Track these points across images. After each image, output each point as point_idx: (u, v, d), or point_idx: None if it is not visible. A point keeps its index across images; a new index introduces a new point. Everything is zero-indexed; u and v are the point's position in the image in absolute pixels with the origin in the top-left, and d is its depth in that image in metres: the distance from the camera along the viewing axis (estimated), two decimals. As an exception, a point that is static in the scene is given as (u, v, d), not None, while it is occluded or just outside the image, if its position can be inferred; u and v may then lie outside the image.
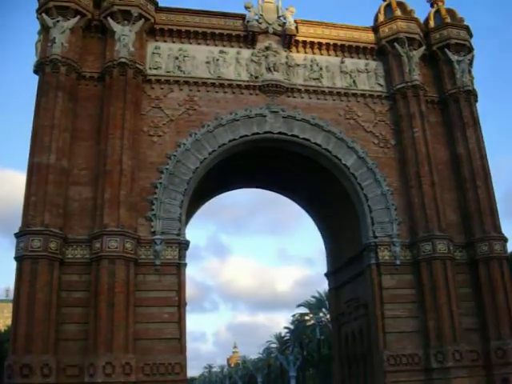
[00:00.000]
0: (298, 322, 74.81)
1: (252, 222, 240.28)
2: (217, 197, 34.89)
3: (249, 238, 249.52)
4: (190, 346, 24.65)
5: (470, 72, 31.27)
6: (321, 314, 66.21)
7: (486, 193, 29.09)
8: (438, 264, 26.80)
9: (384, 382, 25.49)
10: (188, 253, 25.70)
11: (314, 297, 70.11)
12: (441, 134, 30.43)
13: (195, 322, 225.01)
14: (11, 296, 39.93)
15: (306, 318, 73.07)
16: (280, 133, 28.12)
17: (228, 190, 34.93)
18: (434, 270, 26.68)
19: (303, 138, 28.20)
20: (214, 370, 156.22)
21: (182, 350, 23.86)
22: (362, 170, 28.29)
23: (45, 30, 26.83)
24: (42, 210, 23.79)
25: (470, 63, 31.51)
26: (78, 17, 26.86)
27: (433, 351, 25.73)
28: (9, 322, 35.18)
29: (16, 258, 23.42)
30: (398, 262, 27.21)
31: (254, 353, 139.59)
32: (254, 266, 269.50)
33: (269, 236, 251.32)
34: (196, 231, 66.16)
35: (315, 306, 68.71)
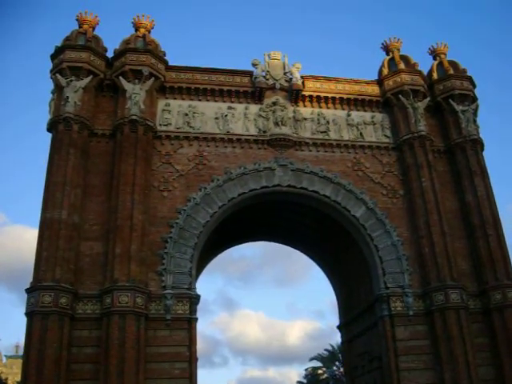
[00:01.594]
0: (311, 376, 73.18)
1: (260, 275, 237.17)
2: (225, 252, 35.02)
3: (257, 291, 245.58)
4: (201, 402, 24.34)
5: (474, 121, 31.64)
6: (334, 368, 64.86)
7: (497, 241, 28.94)
8: (452, 314, 26.44)
9: None
10: (198, 307, 25.66)
11: (326, 350, 68.79)
12: (449, 182, 30.57)
13: (205, 378, 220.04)
14: (21, 352, 39.72)
15: (319, 371, 71.46)
16: (289, 186, 28.40)
17: (237, 244, 35.05)
18: (448, 320, 26.30)
19: (312, 191, 28.44)
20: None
21: (193, 406, 23.52)
22: (372, 220, 28.36)
23: (58, 89, 27.74)
24: (54, 265, 23.96)
25: (475, 112, 31.92)
26: (91, 76, 27.82)
27: (451, 403, 25.13)
28: (18, 378, 34.81)
29: (26, 314, 23.41)
30: (410, 313, 26.87)
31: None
32: (263, 319, 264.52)
33: (277, 289, 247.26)
34: (205, 285, 65.53)
35: (328, 359, 67.32)
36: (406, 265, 27.77)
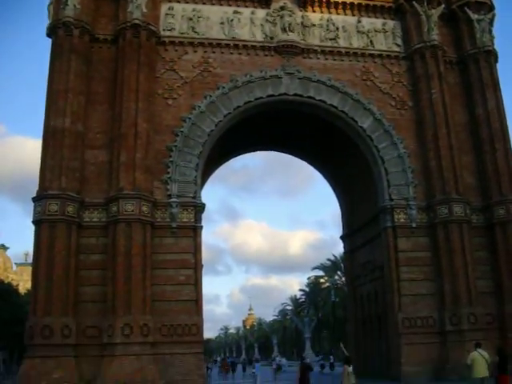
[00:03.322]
0: (313, 285, 75.54)
1: (263, 185, 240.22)
2: (228, 163, 34.81)
3: (260, 202, 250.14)
4: (205, 308, 25.05)
5: (490, 31, 30.36)
6: (336, 277, 66.75)
7: (505, 155, 28.65)
8: (455, 227, 26.65)
9: (398, 343, 25.69)
10: (202, 216, 25.75)
11: (329, 259, 70.45)
12: (459, 95, 29.83)
13: (209, 285, 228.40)
14: (30, 260, 40.62)
15: (321, 280, 73.67)
16: (296, 94, 27.76)
17: (243, 153, 34.83)
18: (451, 233, 26.56)
19: (319, 100, 27.82)
20: (230, 331, 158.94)
21: (198, 311, 24.18)
22: (379, 132, 27.94)
23: (56, -9, 26.46)
24: (59, 174, 23.93)
25: (491, 22, 30.54)
26: (90, -23, 26.45)
27: (448, 314, 25.81)
28: (28, 285, 35.70)
29: (34, 222, 23.68)
30: (414, 225, 27.10)
31: (268, 315, 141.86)
32: (265, 229, 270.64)
33: (280, 200, 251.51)
34: (207, 195, 65.64)
35: (330, 268, 69.09)
36: (412, 177, 27.67)
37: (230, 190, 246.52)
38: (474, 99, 29.44)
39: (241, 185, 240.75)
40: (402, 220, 27.16)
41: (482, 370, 15.54)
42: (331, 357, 49.09)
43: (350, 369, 15.91)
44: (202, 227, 25.26)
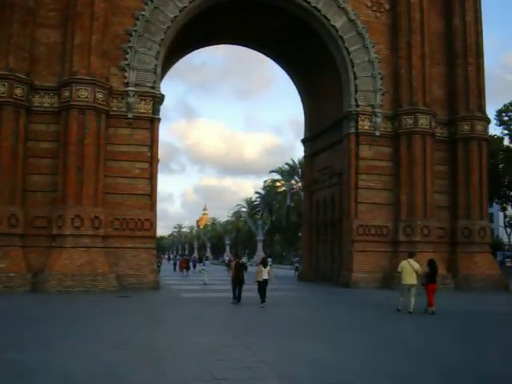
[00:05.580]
0: (270, 188, 75.86)
1: (221, 86, 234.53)
2: (186, 57, 32.83)
3: (217, 102, 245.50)
4: (158, 206, 24.37)
5: None
6: (292, 182, 67.03)
7: (476, 71, 28.07)
8: (418, 138, 26.36)
9: (351, 249, 25.92)
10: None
11: (287, 164, 70.47)
12: (438, 1, 28.52)
13: (162, 183, 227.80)
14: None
15: (278, 184, 73.98)
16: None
17: (205, 45, 32.82)
18: (413, 144, 26.29)
19: (292, -7, 26.04)
20: (184, 230, 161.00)
21: (152, 206, 23.54)
22: (351, 33, 26.60)
23: None
24: (6, 53, 22.00)
25: None
26: None
27: (402, 224, 26.05)
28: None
29: (-22, 103, 21.98)
30: (377, 134, 26.63)
31: (222, 216, 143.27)
32: (221, 130, 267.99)
33: (237, 101, 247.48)
34: (164, 90, 61.16)
35: (288, 173, 69.21)
36: (380, 84, 26.84)
37: (187, 87, 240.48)
38: (453, 8, 28.31)
39: (199, 83, 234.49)
40: (366, 127, 26.62)
41: (409, 277, 16.08)
42: (269, 259, 50.27)
43: (264, 269, 17.91)
44: (159, 119, 24.07)
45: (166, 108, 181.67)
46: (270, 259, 31.35)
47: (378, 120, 26.59)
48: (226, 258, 53.24)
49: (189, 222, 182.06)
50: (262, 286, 17.62)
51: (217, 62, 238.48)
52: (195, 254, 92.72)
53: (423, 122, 26.44)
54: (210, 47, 33.55)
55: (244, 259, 30.67)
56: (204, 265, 30.39)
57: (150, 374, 7.39)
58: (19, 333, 10.96)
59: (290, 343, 9.96)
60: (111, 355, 8.69)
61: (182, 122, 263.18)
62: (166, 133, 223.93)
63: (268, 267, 18.33)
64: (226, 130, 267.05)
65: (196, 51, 33.27)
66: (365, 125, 26.60)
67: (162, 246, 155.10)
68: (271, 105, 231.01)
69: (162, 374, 7.34)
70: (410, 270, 16.11)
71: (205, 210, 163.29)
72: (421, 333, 12.35)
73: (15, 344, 9.53)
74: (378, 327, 13.08)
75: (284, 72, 34.03)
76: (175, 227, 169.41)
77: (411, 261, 16.41)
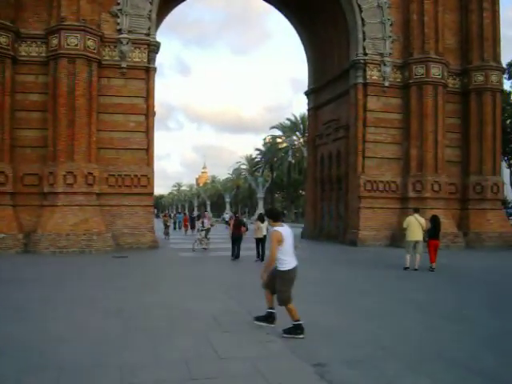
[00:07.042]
0: (270, 145, 74.24)
1: (217, 41, 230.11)
2: (181, 12, 31.12)
3: (214, 58, 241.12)
4: (156, 164, 23.08)
5: None
6: (294, 138, 65.33)
7: (492, 17, 26.45)
8: (430, 89, 24.93)
9: (358, 206, 24.80)
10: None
11: (288, 119, 68.72)
12: None
13: (160, 142, 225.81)
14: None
15: (279, 140, 72.36)
16: None
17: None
18: (424, 95, 24.88)
19: None
20: (183, 188, 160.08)
21: (149, 161, 22.27)
22: (359, -24, 24.83)
23: None
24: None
25: None
26: None
27: (412, 180, 24.88)
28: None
29: (-40, 54, 20.46)
30: (386, 84, 25.18)
31: (222, 174, 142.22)
32: (218, 87, 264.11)
33: (235, 57, 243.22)
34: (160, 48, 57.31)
35: (289, 128, 67.47)
36: (390, 31, 25.24)
37: (183, 44, 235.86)
38: None
39: (194, 39, 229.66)
40: (375, 77, 25.15)
41: (415, 233, 15.58)
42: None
43: (262, 224, 18.06)
44: (155, 69, 22.58)
45: (160, 65, 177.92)
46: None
47: (388, 69, 25.08)
48: (227, 216, 52.55)
49: (188, 181, 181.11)
50: (260, 242, 17.96)
51: (212, 17, 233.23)
52: (195, 212, 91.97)
53: (435, 71, 24.96)
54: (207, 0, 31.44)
55: (244, 219, 29.87)
56: (202, 223, 29.18)
57: (143, 350, 6.28)
58: (2, 298, 9.89)
59: (300, 308, 8.85)
60: (99, 326, 7.60)
61: (178, 79, 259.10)
62: (162, 90, 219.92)
63: (265, 223, 17.92)
64: (223, 87, 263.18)
65: (192, 5, 31.49)
66: (373, 74, 25.12)
67: (161, 205, 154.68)
68: (269, 61, 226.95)
69: (156, 351, 6.23)
70: (417, 225, 15.52)
71: (204, 168, 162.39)
72: (434, 294, 11.28)
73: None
74: (392, 289, 12.03)
75: (283, 26, 32.51)
76: (174, 186, 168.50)
77: (417, 216, 15.75)
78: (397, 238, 23.60)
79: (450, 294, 11.29)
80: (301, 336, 6.87)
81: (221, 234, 31.11)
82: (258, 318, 7.50)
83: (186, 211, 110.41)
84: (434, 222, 16.00)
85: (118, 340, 6.81)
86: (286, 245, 7.06)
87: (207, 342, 6.64)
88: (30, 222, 20.64)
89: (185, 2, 30.47)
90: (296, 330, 6.94)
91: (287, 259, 7.06)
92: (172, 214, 59.98)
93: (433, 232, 15.83)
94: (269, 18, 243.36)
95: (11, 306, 9.12)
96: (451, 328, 7.82)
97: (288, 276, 7.06)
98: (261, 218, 18.51)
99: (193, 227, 39.39)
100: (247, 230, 19.33)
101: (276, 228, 7.16)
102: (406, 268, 15.33)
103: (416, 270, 15.04)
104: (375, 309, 9.24)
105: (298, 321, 6.98)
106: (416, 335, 7.32)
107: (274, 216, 7.41)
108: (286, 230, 7.14)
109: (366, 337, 7.14)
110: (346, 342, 6.87)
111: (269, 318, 7.43)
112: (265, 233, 17.98)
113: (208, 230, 22.85)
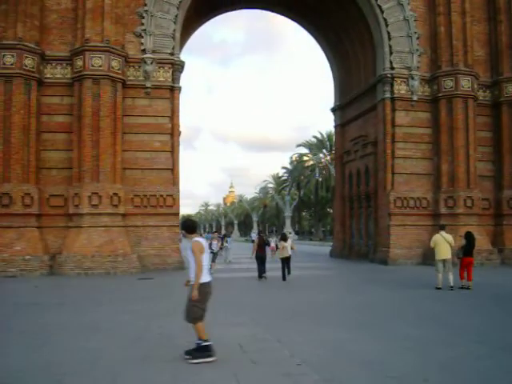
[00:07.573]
0: (297, 163, 73.82)
1: (241, 61, 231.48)
2: (205, 34, 30.84)
3: (239, 79, 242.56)
4: (184, 185, 23.29)
5: None
6: (321, 155, 64.81)
7: (522, 28, 25.81)
8: (460, 102, 24.30)
9: (388, 224, 24.14)
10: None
11: (314, 137, 68.29)
12: (479, -49, 26.14)
13: (186, 161, 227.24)
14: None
15: (305, 158, 71.90)
16: None
17: (227, 10, 30.53)
18: (454, 109, 24.27)
19: None
20: (210, 208, 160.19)
21: (174, 181, 22.04)
22: (385, -10, 24.45)
23: None
24: (14, 21, 20.66)
25: None
26: None
27: (443, 196, 24.16)
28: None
29: (-13, 75, 20.58)
30: (414, 98, 24.64)
31: (249, 193, 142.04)
32: (244, 107, 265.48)
33: (259, 76, 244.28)
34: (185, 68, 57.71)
35: (316, 146, 66.99)
36: (417, 44, 24.77)
37: (208, 65, 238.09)
38: (494, -43, 25.92)
39: (218, 60, 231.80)
40: (403, 91, 24.65)
41: (443, 251, 15.12)
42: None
43: (286, 243, 18.03)
44: (180, 88, 22.46)
45: (186, 86, 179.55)
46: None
47: (416, 83, 24.56)
48: (254, 236, 52.44)
49: (216, 200, 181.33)
50: (285, 262, 17.77)
51: (236, 39, 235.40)
52: (223, 232, 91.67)
53: (465, 83, 24.35)
54: (230, 22, 31.37)
55: (271, 238, 29.61)
56: (227, 241, 28.94)
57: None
58: (19, 324, 9.57)
59: (332, 335, 8.32)
60: (116, 357, 7.16)
61: (204, 99, 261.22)
62: (189, 111, 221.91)
63: (289, 240, 18.34)
64: (249, 107, 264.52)
65: (215, 27, 31.34)
66: (401, 89, 24.62)
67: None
68: (294, 79, 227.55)
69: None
70: (444, 243, 15.02)
71: (231, 187, 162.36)
72: (477, 318, 10.61)
73: None
74: (431, 312, 11.37)
75: (306, 44, 32.87)
76: (202, 205, 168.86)
77: (444, 233, 15.25)
78: (428, 255, 22.69)
79: (494, 318, 10.58)
80: (211, 359, 6.49)
81: (246, 254, 30.64)
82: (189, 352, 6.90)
83: (213, 230, 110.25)
84: (469, 238, 15.45)
85: (133, 375, 6.36)
86: (205, 257, 6.83)
87: (232, 373, 6.16)
88: (56, 244, 20.56)
89: (208, 22, 30.60)
90: (204, 351, 6.58)
91: (204, 272, 6.76)
92: (201, 233, 59.69)
93: (467, 249, 15.29)
94: (293, 37, 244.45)
95: (28, 332, 8.79)
96: (503, 358, 7.20)
97: (204, 289, 6.73)
98: (284, 238, 18.50)
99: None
100: (268, 244, 19.93)
101: (197, 238, 6.91)
102: (438, 288, 14.75)
103: (451, 288, 14.49)
104: (414, 336, 8.63)
105: (207, 341, 6.60)
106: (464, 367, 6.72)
107: (190, 228, 7.09)
108: (205, 242, 6.98)
109: (407, 369, 6.57)
110: (385, 374, 6.32)
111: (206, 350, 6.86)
112: (290, 252, 17.93)
113: (216, 254, 21.32)
